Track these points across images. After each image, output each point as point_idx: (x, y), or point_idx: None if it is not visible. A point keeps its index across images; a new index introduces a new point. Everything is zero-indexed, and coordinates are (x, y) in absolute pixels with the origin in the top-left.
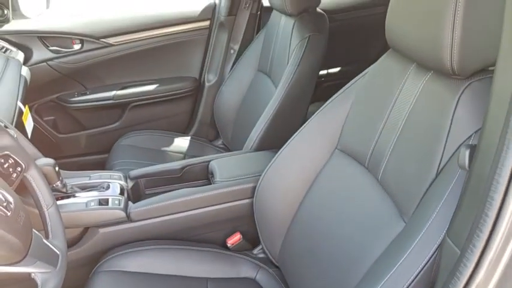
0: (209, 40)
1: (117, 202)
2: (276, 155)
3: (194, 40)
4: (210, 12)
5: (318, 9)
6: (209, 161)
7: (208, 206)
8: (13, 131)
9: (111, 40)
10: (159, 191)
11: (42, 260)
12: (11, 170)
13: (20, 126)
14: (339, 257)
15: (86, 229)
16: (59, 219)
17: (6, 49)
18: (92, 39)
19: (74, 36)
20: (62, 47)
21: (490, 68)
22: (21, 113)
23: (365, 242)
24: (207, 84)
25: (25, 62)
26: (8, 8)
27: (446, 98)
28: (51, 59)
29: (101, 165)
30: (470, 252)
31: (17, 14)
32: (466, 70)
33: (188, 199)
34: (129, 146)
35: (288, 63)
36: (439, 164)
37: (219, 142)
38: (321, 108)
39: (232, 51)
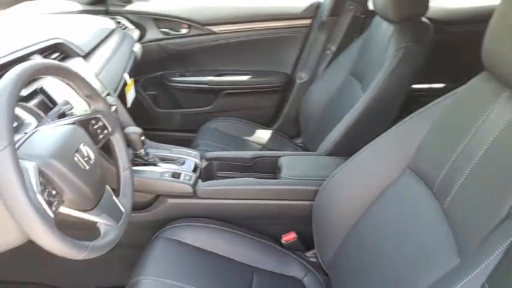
0: (307, 38)
1: (188, 178)
2: (344, 163)
3: (292, 37)
4: (312, 11)
5: (424, 19)
6: (279, 157)
7: (269, 199)
8: (114, 99)
9: (215, 28)
10: (230, 175)
11: (108, 214)
12: (99, 131)
13: (123, 95)
14: (389, 279)
15: (157, 197)
16: (131, 182)
17: (126, 27)
18: (198, 25)
19: (182, 21)
20: (171, 30)
21: None
22: (125, 83)
23: (417, 269)
24: (298, 81)
25: (139, 40)
26: None
27: None
28: (160, 40)
29: (188, 143)
30: None
31: None
32: None
33: (250, 188)
34: (214, 130)
35: (379, 71)
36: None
37: (299, 140)
38: (400, 122)
39: (328, 52)
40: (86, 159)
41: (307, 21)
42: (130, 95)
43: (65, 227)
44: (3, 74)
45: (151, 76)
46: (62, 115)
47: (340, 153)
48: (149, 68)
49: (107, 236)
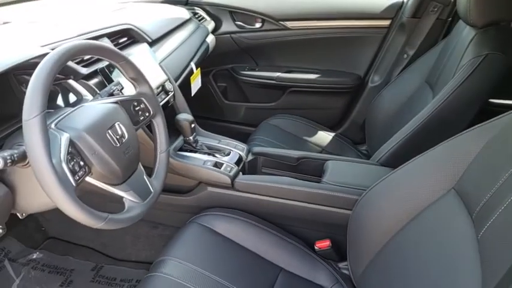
0: (385, 40)
1: (228, 169)
2: (387, 175)
3: (369, 37)
4: (393, 11)
5: None
6: (327, 160)
7: (306, 202)
8: (171, 85)
9: (289, 24)
10: (274, 172)
11: (135, 191)
12: (140, 112)
13: (187, 84)
14: None
15: (199, 183)
16: (165, 164)
17: (203, 17)
18: (272, 20)
19: (257, 15)
20: (245, 23)
21: None
22: (191, 72)
23: None
24: (370, 84)
25: (214, 31)
26: None
27: None
28: (234, 32)
29: (248, 137)
30: None
31: None
32: None
33: (286, 188)
34: (274, 126)
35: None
36: None
37: (364, 147)
38: (451, 138)
39: (405, 55)
40: (118, 137)
41: (386, 22)
42: (196, 84)
43: (96, 197)
44: None
45: (222, 68)
46: (111, 94)
47: (395, 164)
48: (220, 59)
49: (129, 212)
